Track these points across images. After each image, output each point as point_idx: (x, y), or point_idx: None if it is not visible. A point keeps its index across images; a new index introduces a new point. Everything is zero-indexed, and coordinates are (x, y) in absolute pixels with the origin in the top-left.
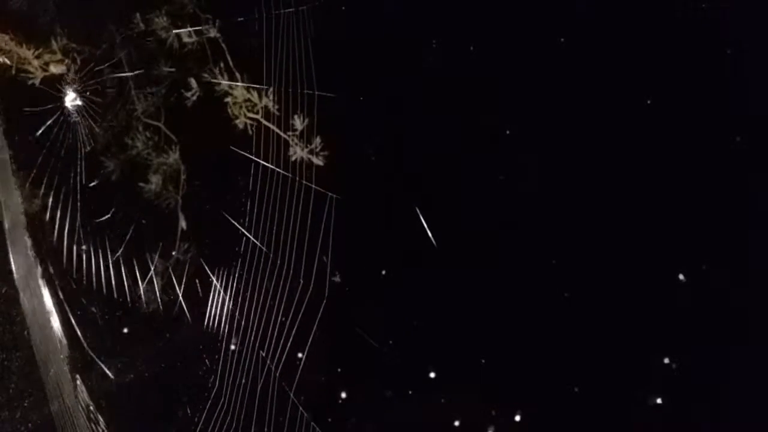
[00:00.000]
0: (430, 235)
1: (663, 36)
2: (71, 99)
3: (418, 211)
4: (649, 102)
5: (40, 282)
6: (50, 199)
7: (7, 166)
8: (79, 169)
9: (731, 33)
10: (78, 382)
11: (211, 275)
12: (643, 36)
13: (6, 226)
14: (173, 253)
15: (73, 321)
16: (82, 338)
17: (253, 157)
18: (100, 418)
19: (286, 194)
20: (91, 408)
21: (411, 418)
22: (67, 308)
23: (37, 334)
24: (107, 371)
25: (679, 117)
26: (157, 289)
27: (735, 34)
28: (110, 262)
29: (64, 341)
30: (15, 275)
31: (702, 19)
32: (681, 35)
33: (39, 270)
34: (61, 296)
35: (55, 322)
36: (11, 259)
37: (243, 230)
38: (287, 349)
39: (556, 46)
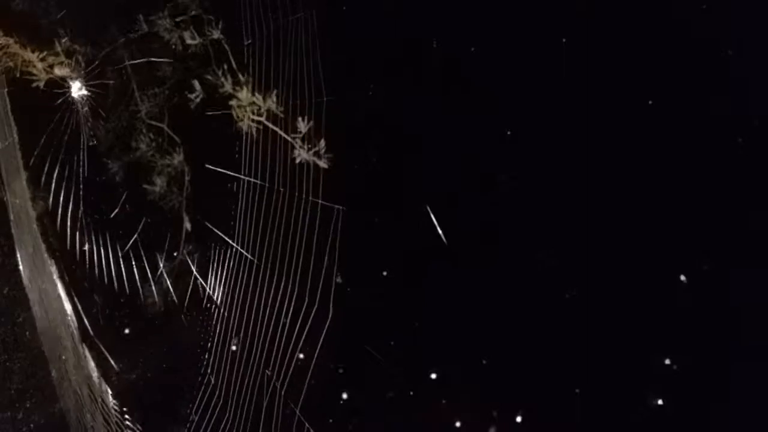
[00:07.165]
0: (440, 232)
1: (664, 37)
2: (76, 89)
3: (429, 209)
4: (650, 103)
5: (46, 283)
6: (60, 198)
7: (15, 163)
8: (84, 168)
9: (731, 33)
10: (85, 379)
11: (214, 276)
12: (644, 37)
13: (13, 223)
14: (176, 254)
15: (75, 319)
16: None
17: (251, 179)
18: (114, 412)
19: (288, 197)
20: (99, 405)
21: (412, 419)
22: (70, 305)
23: (45, 330)
24: (110, 370)
25: (680, 118)
26: (161, 289)
27: (735, 34)
28: (113, 261)
29: (69, 340)
30: (22, 273)
31: (702, 19)
32: (681, 36)
33: (46, 270)
34: (65, 296)
35: (61, 320)
36: (18, 258)
37: (246, 232)
38: (289, 350)
39: (557, 47)
